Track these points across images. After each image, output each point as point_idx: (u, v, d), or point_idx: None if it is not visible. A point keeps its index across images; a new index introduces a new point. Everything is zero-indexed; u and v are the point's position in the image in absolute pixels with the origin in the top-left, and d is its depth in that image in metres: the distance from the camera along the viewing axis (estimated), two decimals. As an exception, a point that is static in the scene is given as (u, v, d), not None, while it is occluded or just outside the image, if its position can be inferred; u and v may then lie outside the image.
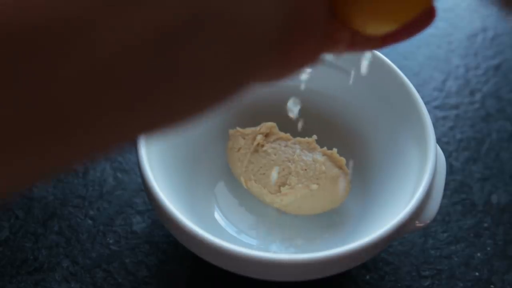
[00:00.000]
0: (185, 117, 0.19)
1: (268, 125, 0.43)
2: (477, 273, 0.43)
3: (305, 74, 0.38)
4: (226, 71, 0.19)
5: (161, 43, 0.17)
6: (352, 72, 0.38)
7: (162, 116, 0.19)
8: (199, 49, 0.17)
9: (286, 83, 0.45)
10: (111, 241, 0.43)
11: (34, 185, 0.18)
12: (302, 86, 0.40)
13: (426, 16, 0.23)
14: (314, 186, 0.41)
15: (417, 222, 0.37)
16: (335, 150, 0.42)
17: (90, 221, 0.44)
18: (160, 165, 0.39)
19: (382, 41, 0.24)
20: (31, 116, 0.16)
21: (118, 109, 0.17)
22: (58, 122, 0.16)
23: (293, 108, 0.39)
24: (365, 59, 0.37)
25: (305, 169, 0.41)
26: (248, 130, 0.43)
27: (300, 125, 0.42)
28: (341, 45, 0.23)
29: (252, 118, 0.45)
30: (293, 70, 0.22)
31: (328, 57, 0.44)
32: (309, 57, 0.22)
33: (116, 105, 0.17)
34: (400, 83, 0.42)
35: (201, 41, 0.17)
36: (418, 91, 0.41)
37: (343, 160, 0.42)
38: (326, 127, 0.46)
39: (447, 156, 0.48)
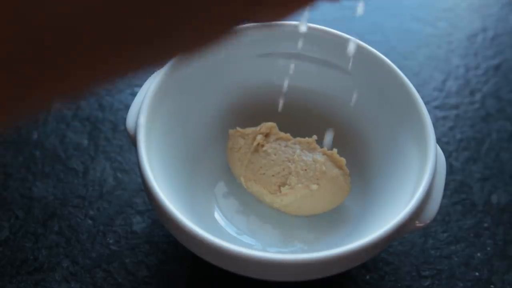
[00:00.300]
0: (179, 51, 0.21)
1: (268, 125, 0.43)
2: (477, 273, 0.43)
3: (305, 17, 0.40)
4: (226, 6, 0.20)
5: None
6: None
7: (165, 48, 0.20)
8: None
9: (287, 84, 0.45)
10: (111, 241, 0.43)
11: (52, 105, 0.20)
12: (303, 27, 0.42)
13: None
14: (314, 186, 0.41)
15: (417, 222, 0.37)
16: (335, 150, 0.43)
17: (90, 221, 0.44)
18: (160, 165, 0.39)
19: None
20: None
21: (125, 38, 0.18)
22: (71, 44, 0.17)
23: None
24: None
25: (305, 169, 0.41)
26: (248, 130, 0.43)
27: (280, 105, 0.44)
28: None
29: (252, 118, 0.45)
30: (291, 10, 0.23)
31: (328, 56, 0.43)
32: None
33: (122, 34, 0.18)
34: (400, 83, 0.42)
35: None
36: (418, 91, 0.41)
37: (343, 160, 0.42)
38: (326, 127, 0.46)
39: (447, 156, 0.48)
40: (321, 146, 0.43)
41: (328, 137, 0.43)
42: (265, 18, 0.23)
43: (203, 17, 0.19)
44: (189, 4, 0.19)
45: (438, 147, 0.39)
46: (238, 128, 0.43)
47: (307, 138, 0.43)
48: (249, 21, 0.22)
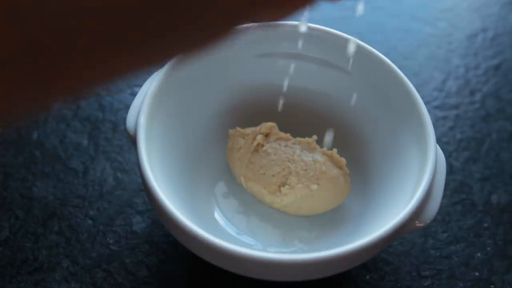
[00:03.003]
0: (179, 51, 0.21)
1: (268, 125, 0.43)
2: (477, 273, 0.43)
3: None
4: (227, 7, 0.20)
5: None
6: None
7: (164, 48, 0.20)
8: None
9: (287, 84, 0.45)
10: (111, 241, 0.43)
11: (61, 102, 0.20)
12: (303, 27, 0.43)
13: None
14: (314, 187, 0.41)
15: (417, 222, 0.37)
16: (335, 150, 0.43)
17: (90, 221, 0.44)
18: (160, 165, 0.39)
19: None
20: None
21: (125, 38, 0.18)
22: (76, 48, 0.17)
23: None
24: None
25: (305, 169, 0.41)
26: (248, 130, 0.43)
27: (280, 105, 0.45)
28: None
29: (252, 118, 0.45)
30: (292, 10, 0.23)
31: (328, 56, 0.43)
32: None
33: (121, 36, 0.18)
34: (400, 83, 0.42)
35: None
36: (418, 91, 0.41)
37: (343, 160, 0.42)
38: (326, 127, 0.46)
39: (447, 156, 0.48)
40: (321, 146, 0.43)
41: (328, 137, 0.43)
42: (266, 18, 0.23)
43: (203, 17, 0.19)
44: (189, 4, 0.19)
45: (438, 147, 0.39)
46: (238, 128, 0.43)
47: (307, 138, 0.43)
48: (249, 21, 0.22)
